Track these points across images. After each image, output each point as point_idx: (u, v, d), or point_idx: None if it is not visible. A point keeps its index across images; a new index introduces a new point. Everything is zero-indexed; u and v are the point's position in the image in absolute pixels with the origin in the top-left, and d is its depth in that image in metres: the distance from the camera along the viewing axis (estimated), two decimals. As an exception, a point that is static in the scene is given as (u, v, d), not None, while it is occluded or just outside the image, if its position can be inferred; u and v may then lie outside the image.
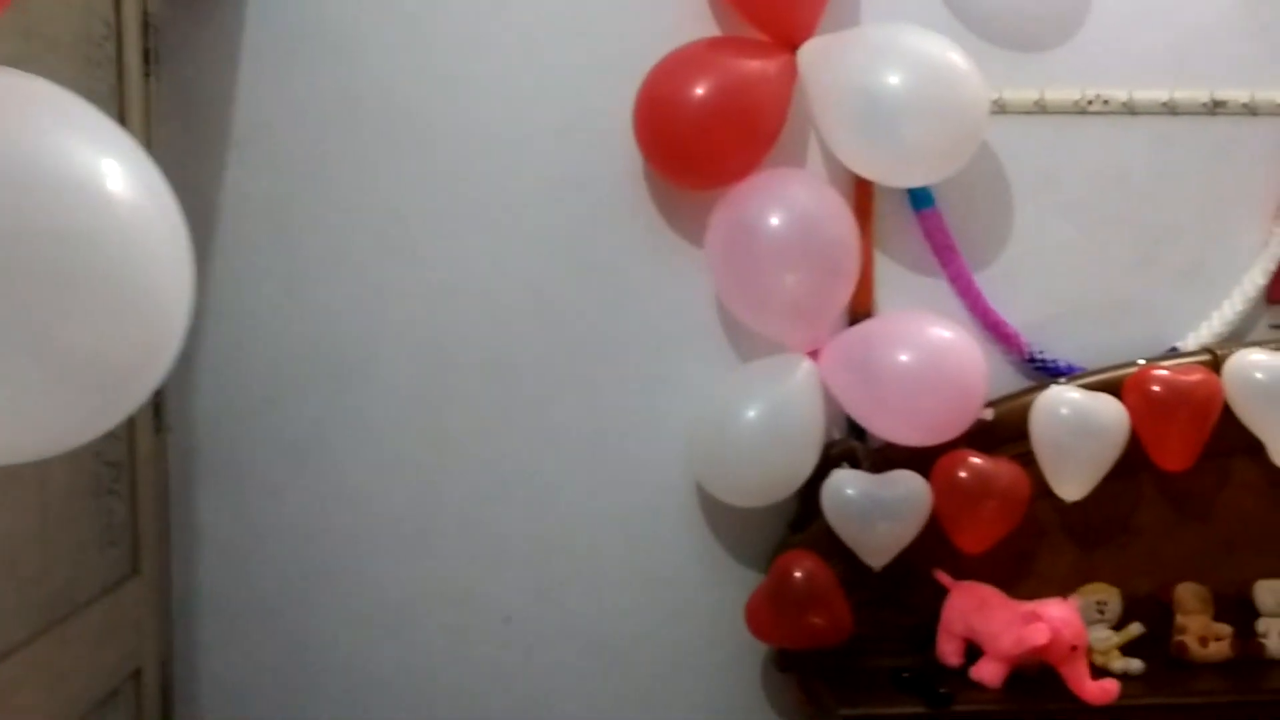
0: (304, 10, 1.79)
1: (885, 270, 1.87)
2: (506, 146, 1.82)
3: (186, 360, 1.81)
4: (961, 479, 1.72)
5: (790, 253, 1.67)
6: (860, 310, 1.84)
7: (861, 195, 1.83)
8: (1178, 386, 1.74)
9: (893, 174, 1.73)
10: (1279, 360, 1.74)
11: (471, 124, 1.82)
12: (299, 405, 1.83)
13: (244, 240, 1.81)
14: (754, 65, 1.69)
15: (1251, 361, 1.75)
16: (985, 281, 1.88)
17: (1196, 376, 1.75)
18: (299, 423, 1.83)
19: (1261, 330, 1.91)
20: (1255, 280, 1.87)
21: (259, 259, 1.81)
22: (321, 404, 1.83)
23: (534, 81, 1.82)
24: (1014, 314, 1.87)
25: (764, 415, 1.72)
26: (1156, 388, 1.74)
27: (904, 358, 1.71)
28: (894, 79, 1.63)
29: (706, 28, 1.81)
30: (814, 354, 1.77)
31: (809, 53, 1.71)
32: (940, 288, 1.87)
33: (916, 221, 1.85)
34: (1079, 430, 1.73)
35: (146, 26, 1.73)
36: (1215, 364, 1.79)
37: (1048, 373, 1.86)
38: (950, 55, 1.66)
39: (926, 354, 1.71)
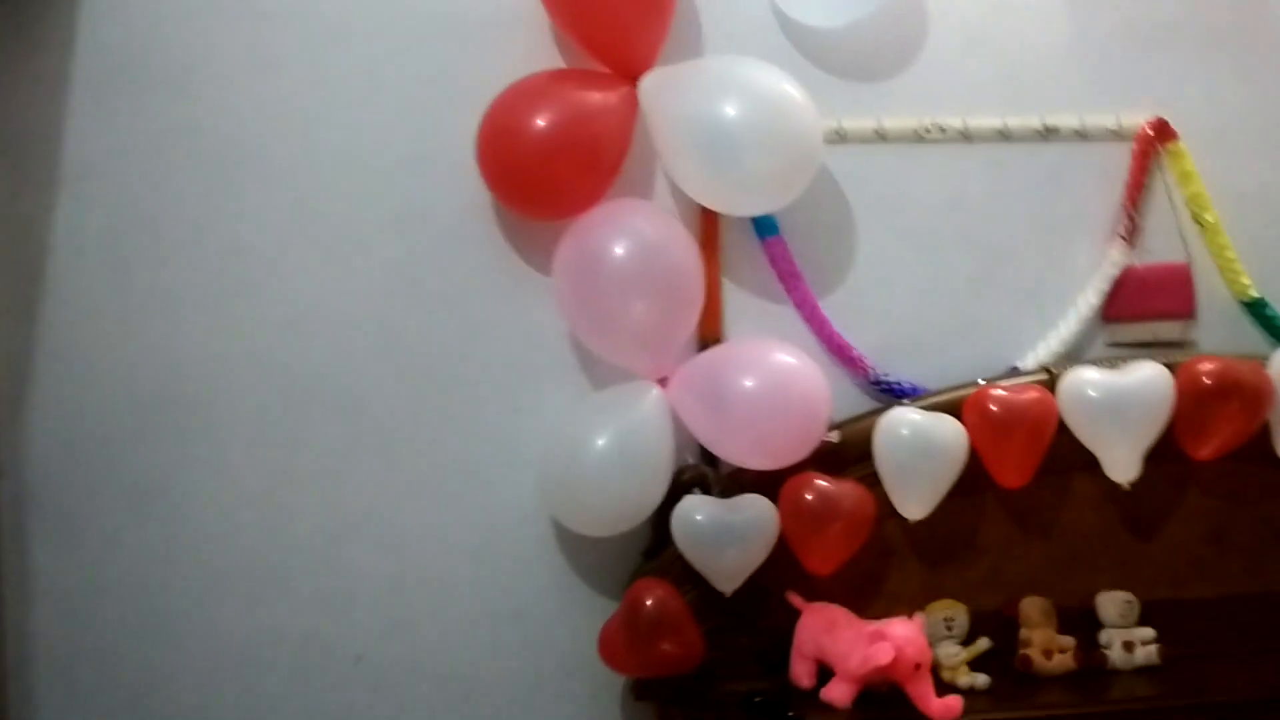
0: (137, 42, 1.77)
1: (734, 297, 1.89)
2: (352, 177, 1.81)
3: (18, 402, 1.76)
4: (808, 501, 1.74)
5: (633, 282, 1.68)
6: (709, 337, 1.86)
7: (708, 224, 1.85)
8: (1014, 405, 1.79)
9: (732, 203, 1.76)
10: (1111, 378, 1.80)
11: (315, 155, 1.80)
12: (138, 446, 1.79)
13: (78, 278, 1.77)
14: (594, 97, 1.71)
15: (1085, 379, 1.80)
16: (831, 306, 1.90)
17: (1032, 395, 1.80)
18: (138, 464, 1.79)
19: (1099, 348, 1.97)
20: (1089, 300, 1.93)
21: (94, 297, 1.77)
22: (161, 444, 1.79)
23: (379, 111, 1.81)
24: (859, 337, 1.90)
25: (612, 443, 1.72)
26: (994, 407, 1.78)
27: (748, 383, 1.72)
28: (730, 110, 1.66)
29: (551, 60, 1.82)
30: (663, 381, 1.78)
31: (649, 84, 1.73)
32: (788, 314, 1.89)
33: (762, 249, 1.88)
34: (919, 450, 1.76)
35: (-33, 62, 1.69)
36: (1052, 382, 1.84)
37: (893, 394, 1.89)
38: (785, 87, 1.69)
39: (770, 379, 1.74)
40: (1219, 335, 1.99)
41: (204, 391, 1.79)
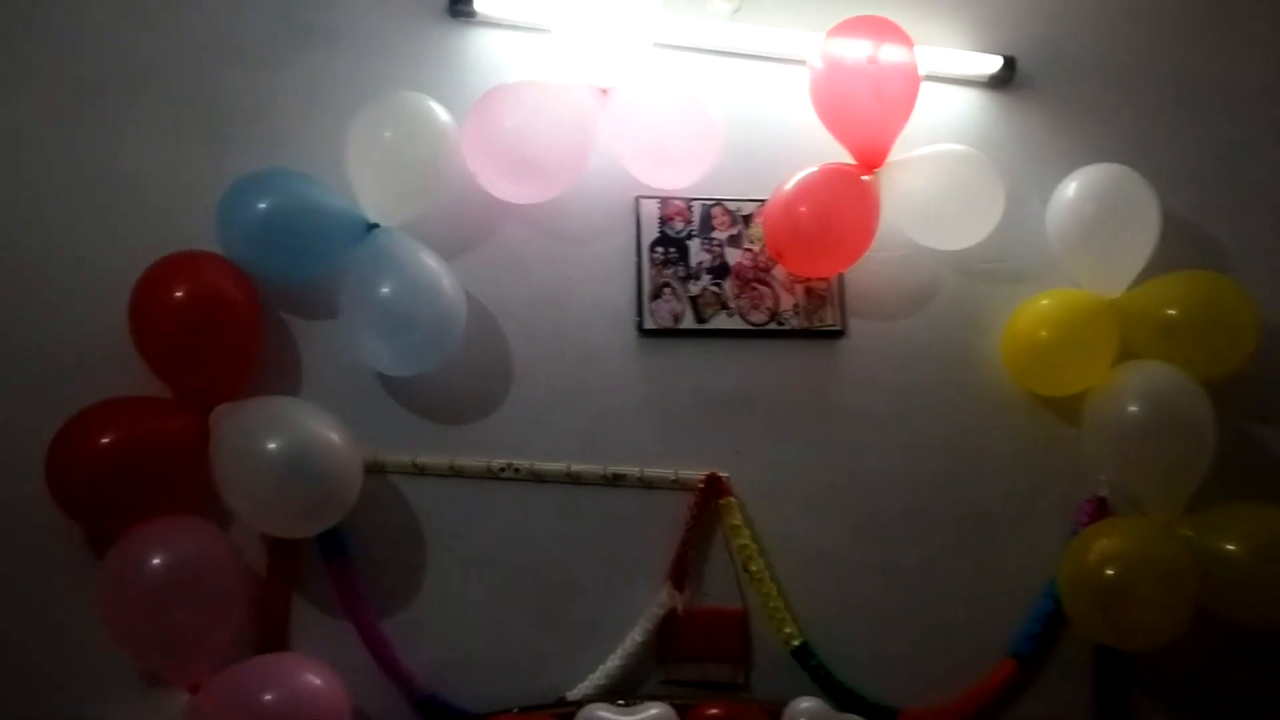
0: None
1: (303, 612, 2.03)
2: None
3: None
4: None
5: (154, 592, 1.82)
6: (271, 648, 1.98)
7: (277, 541, 2.01)
8: (522, 736, 1.90)
9: (272, 526, 1.95)
10: (619, 716, 1.92)
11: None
12: None
13: None
14: (160, 424, 1.91)
15: (594, 716, 1.92)
16: (395, 625, 2.04)
17: (541, 727, 1.92)
18: None
19: (653, 684, 2.09)
20: (635, 638, 2.07)
21: None
22: None
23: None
24: (419, 658, 2.02)
25: (129, 749, 1.80)
26: (504, 738, 1.90)
27: (266, 697, 1.83)
28: (270, 445, 1.87)
29: (153, 386, 2.00)
30: (195, 688, 1.88)
31: (215, 416, 1.94)
32: (351, 629, 2.01)
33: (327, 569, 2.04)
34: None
35: None
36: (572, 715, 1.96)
37: (440, 715, 2.00)
38: (324, 430, 1.91)
39: (289, 695, 1.85)
40: (772, 680, 2.12)
41: None
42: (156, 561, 1.84)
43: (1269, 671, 2.28)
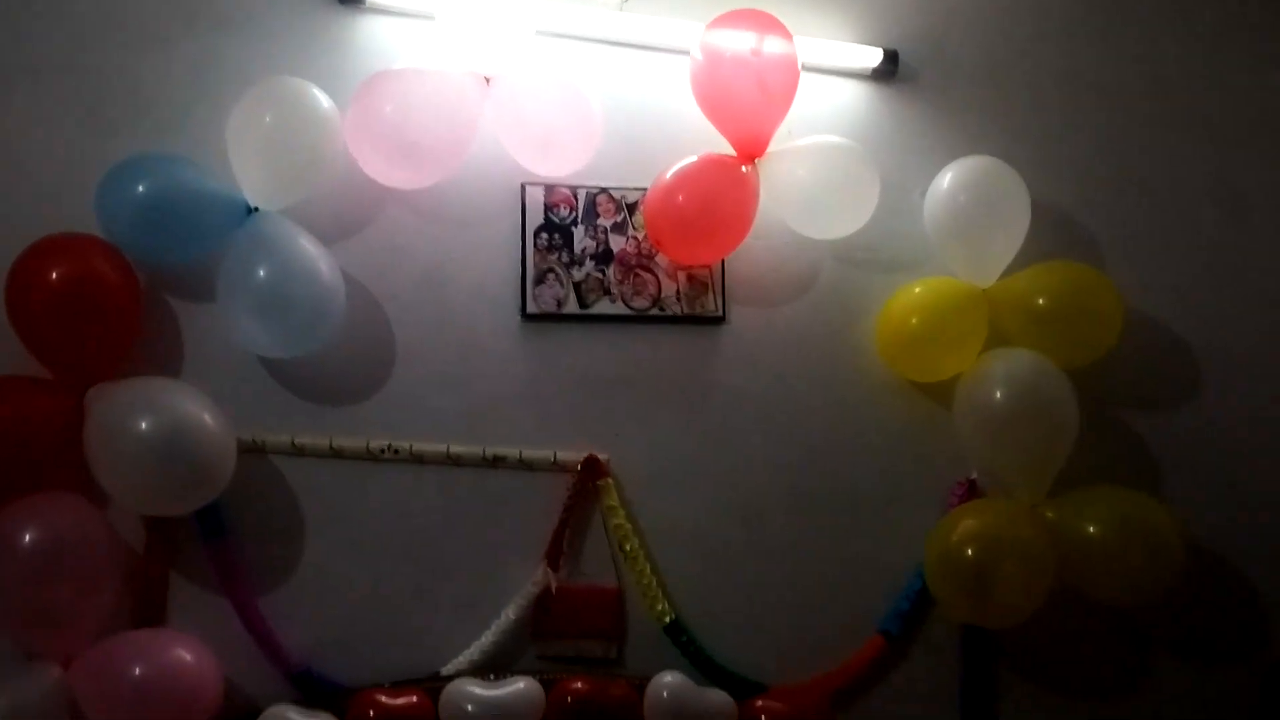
0: None
1: (181, 589, 2.07)
2: None
3: None
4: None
5: (28, 568, 1.85)
6: (147, 622, 2.02)
7: (160, 519, 2.05)
8: (389, 709, 1.96)
9: (146, 507, 1.99)
10: (486, 690, 1.98)
11: None
12: None
13: None
14: (33, 403, 1.94)
15: (462, 690, 1.98)
16: (274, 603, 2.08)
17: (410, 700, 1.98)
18: None
19: (529, 660, 2.15)
20: (509, 615, 2.12)
21: None
22: None
23: None
24: (297, 634, 2.07)
25: (-2, 722, 1.84)
26: (372, 711, 1.95)
27: (137, 671, 1.88)
28: (142, 425, 1.90)
29: (31, 366, 2.01)
30: (68, 661, 1.92)
31: (91, 396, 1.97)
32: (229, 606, 2.06)
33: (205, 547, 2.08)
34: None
35: None
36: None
37: (314, 689, 2.05)
38: (198, 412, 1.94)
39: (160, 670, 1.89)
40: (644, 656, 2.18)
41: None
42: (29, 537, 1.87)
43: (1126, 646, 2.38)
